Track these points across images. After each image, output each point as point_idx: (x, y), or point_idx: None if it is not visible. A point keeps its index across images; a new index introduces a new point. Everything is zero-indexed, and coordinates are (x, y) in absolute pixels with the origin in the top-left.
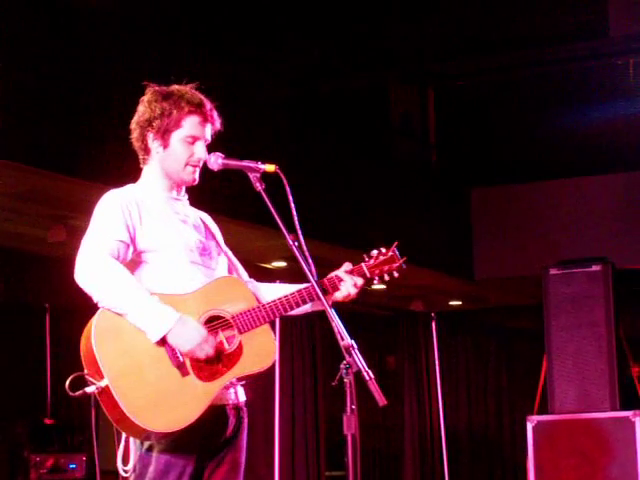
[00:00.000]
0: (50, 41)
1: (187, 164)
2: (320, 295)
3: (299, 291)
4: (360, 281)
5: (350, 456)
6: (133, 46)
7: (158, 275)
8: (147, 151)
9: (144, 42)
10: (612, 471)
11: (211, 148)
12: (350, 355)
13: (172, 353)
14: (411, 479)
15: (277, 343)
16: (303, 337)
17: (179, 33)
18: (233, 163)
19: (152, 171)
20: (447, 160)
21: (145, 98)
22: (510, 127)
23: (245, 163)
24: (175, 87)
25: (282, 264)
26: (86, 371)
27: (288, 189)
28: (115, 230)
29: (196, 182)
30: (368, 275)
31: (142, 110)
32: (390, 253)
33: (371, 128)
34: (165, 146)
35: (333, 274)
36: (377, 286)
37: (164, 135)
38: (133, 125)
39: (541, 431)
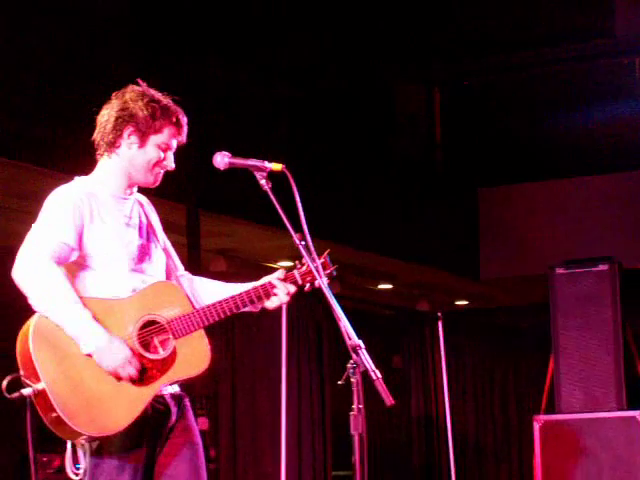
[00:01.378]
0: (52, 41)
1: (154, 165)
2: (327, 293)
3: (233, 297)
4: (292, 288)
5: (357, 456)
6: (134, 47)
7: (98, 281)
8: (115, 144)
9: (144, 43)
10: (619, 471)
11: (216, 147)
12: (357, 355)
13: None
14: (418, 478)
15: (209, 349)
16: (310, 336)
17: (179, 34)
18: (239, 162)
19: (112, 166)
20: (453, 160)
21: (129, 95)
22: (516, 127)
23: (251, 162)
24: (157, 93)
25: (289, 264)
26: (22, 372)
27: (295, 188)
28: (63, 232)
29: (154, 186)
30: (300, 282)
31: (125, 105)
32: (322, 260)
33: (377, 128)
34: (141, 145)
35: (266, 281)
36: (383, 286)
37: (143, 136)
38: (110, 116)
39: (548, 431)
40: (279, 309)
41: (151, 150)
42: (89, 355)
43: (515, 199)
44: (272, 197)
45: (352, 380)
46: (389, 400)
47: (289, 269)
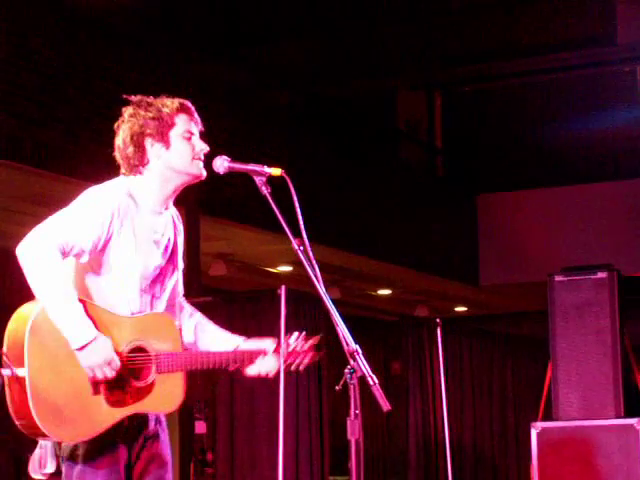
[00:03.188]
0: (57, 45)
1: (193, 158)
2: (325, 298)
3: (221, 354)
4: (275, 367)
5: (354, 461)
6: (138, 51)
7: (107, 293)
8: (144, 161)
9: (148, 47)
10: (616, 478)
11: (216, 151)
12: (355, 360)
13: None
14: None
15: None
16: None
17: (182, 38)
18: (239, 167)
19: (147, 182)
20: (453, 166)
21: (127, 112)
22: (516, 133)
23: (251, 167)
24: (150, 97)
25: (288, 268)
26: (5, 350)
27: (294, 193)
28: (84, 233)
29: (204, 176)
30: (284, 361)
31: (130, 124)
32: (310, 343)
33: (378, 134)
34: (167, 146)
35: (256, 347)
36: (382, 292)
37: (163, 136)
38: (125, 141)
39: (545, 438)
40: (277, 321)
41: (178, 143)
42: (79, 350)
43: (515, 206)
44: (271, 202)
45: (349, 385)
46: (386, 406)
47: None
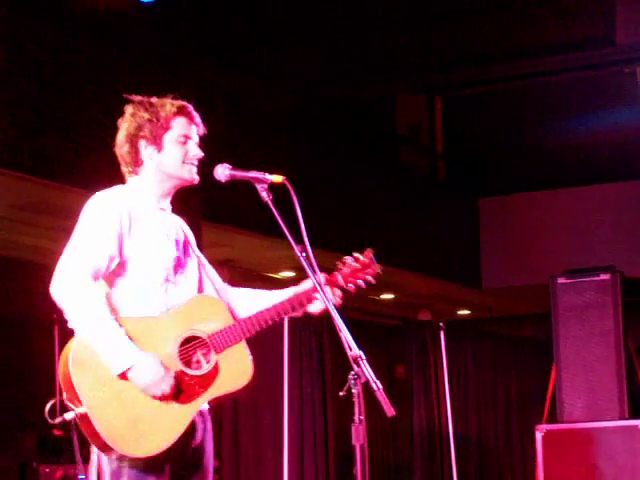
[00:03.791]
0: (56, 53)
1: (184, 162)
2: (328, 304)
3: (275, 306)
4: (338, 292)
5: (359, 466)
6: (137, 58)
7: (132, 291)
8: (138, 162)
9: (150, 53)
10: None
11: (218, 159)
12: (358, 365)
13: None
14: None
15: (251, 360)
16: (312, 347)
17: (183, 44)
18: (240, 174)
19: (142, 181)
20: (454, 170)
21: (128, 111)
22: (517, 136)
23: (252, 174)
24: (154, 98)
25: (291, 274)
26: (65, 395)
27: (295, 200)
28: (104, 242)
29: (196, 181)
30: (343, 284)
31: (128, 123)
32: (366, 259)
33: (378, 137)
34: (159, 149)
35: (307, 287)
36: (385, 296)
37: (156, 139)
38: (121, 140)
39: (550, 440)
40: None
41: (170, 148)
42: (122, 376)
43: (517, 209)
44: (273, 209)
45: (353, 391)
46: (390, 411)
47: (330, 271)
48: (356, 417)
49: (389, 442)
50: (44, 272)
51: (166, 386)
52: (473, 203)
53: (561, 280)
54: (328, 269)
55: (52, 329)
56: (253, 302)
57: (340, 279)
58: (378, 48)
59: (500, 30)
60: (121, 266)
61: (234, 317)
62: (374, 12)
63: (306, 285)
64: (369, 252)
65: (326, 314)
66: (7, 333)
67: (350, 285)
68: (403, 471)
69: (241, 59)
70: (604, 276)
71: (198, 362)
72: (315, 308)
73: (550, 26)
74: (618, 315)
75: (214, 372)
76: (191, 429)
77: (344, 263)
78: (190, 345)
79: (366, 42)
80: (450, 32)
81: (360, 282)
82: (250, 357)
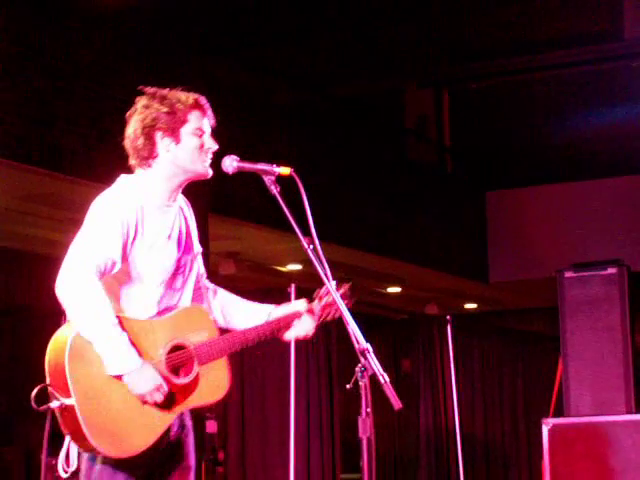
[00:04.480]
0: (65, 47)
1: (200, 155)
2: (339, 300)
3: (256, 328)
4: (313, 324)
5: (365, 459)
6: (146, 52)
7: (133, 292)
8: (153, 154)
9: (156, 48)
10: (628, 474)
11: (225, 151)
12: (365, 358)
13: None
14: None
15: (229, 374)
16: (319, 340)
17: (191, 40)
18: (248, 166)
19: (154, 175)
20: (462, 163)
21: (141, 103)
22: (525, 130)
23: (260, 166)
24: (164, 89)
25: (298, 267)
26: (49, 382)
27: (303, 192)
28: (109, 245)
29: (210, 175)
30: (320, 315)
31: (143, 115)
32: (341, 291)
33: (386, 132)
34: (177, 141)
35: (289, 311)
36: (392, 289)
37: (174, 131)
38: (135, 132)
39: (557, 434)
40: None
41: (188, 140)
42: (117, 377)
43: (524, 202)
44: (280, 201)
45: (360, 384)
46: (397, 404)
47: (311, 298)
48: (363, 410)
49: (395, 436)
50: (54, 264)
51: (160, 396)
52: (480, 196)
53: (568, 274)
54: (336, 262)
55: (59, 320)
56: (242, 315)
57: (317, 309)
58: (386, 42)
59: (508, 24)
60: (122, 269)
61: (219, 331)
62: (382, 6)
63: (285, 310)
64: (346, 286)
65: (327, 312)
66: (17, 324)
67: (322, 317)
68: (409, 465)
69: (249, 54)
70: (611, 270)
71: (182, 371)
72: (290, 335)
73: (558, 20)
74: (625, 309)
75: (194, 383)
76: (166, 431)
77: (319, 295)
78: (176, 354)
79: (374, 36)
80: (458, 26)
81: (330, 316)
82: (228, 375)
